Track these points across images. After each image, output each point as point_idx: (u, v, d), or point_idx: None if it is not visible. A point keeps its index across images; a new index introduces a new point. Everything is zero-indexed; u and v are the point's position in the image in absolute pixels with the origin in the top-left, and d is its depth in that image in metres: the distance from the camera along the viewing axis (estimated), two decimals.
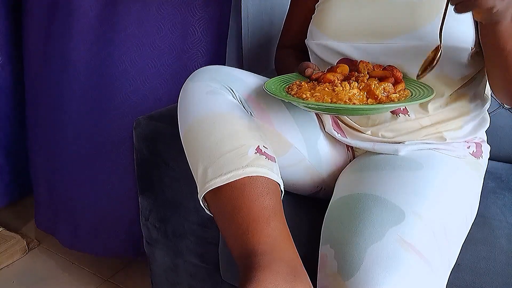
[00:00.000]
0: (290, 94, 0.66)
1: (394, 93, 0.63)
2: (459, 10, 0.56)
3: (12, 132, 1.51)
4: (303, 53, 0.88)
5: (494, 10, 0.55)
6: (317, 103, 0.61)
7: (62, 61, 1.21)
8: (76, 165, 1.28)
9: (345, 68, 0.70)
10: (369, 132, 0.76)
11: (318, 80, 0.68)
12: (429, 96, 0.62)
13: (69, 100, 1.23)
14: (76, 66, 1.19)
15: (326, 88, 0.63)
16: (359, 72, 0.68)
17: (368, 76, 0.66)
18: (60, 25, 1.20)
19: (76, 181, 1.30)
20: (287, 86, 0.69)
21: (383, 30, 0.72)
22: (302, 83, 0.68)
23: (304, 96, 0.63)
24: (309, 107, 0.64)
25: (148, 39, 1.16)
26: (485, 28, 0.62)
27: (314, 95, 0.63)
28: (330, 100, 0.61)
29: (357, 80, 0.65)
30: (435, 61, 0.62)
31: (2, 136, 1.48)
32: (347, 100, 0.61)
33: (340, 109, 0.62)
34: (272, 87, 0.67)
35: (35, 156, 1.43)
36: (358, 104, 0.61)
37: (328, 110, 0.63)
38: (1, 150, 1.49)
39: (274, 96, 0.64)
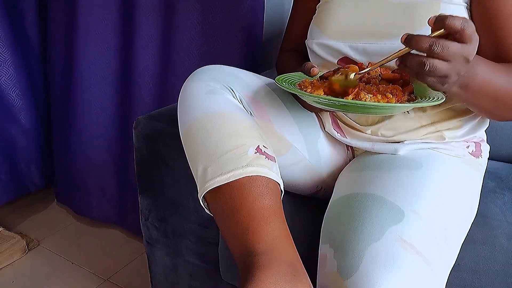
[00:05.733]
0: (304, 91, 0.65)
1: (403, 95, 0.64)
2: (419, 78, 0.57)
3: (10, 130, 1.51)
4: (304, 57, 0.88)
5: (452, 79, 0.56)
6: (344, 100, 0.59)
7: (126, 72, 1.32)
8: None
9: (356, 69, 0.70)
10: (369, 132, 0.76)
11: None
12: (442, 99, 0.62)
13: (137, 109, 1.33)
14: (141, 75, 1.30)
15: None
16: (369, 74, 0.68)
17: (380, 78, 0.66)
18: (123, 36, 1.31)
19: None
20: (298, 83, 0.69)
21: (382, 30, 0.72)
22: (314, 81, 0.67)
23: (323, 93, 0.63)
24: (329, 105, 0.62)
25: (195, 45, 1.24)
26: (449, 93, 0.64)
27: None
28: (351, 98, 0.60)
29: (368, 82, 0.65)
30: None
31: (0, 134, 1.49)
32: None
33: (364, 107, 0.60)
34: (284, 83, 0.67)
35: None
36: (380, 102, 0.60)
37: (349, 108, 0.62)
38: None
39: (290, 91, 0.63)
